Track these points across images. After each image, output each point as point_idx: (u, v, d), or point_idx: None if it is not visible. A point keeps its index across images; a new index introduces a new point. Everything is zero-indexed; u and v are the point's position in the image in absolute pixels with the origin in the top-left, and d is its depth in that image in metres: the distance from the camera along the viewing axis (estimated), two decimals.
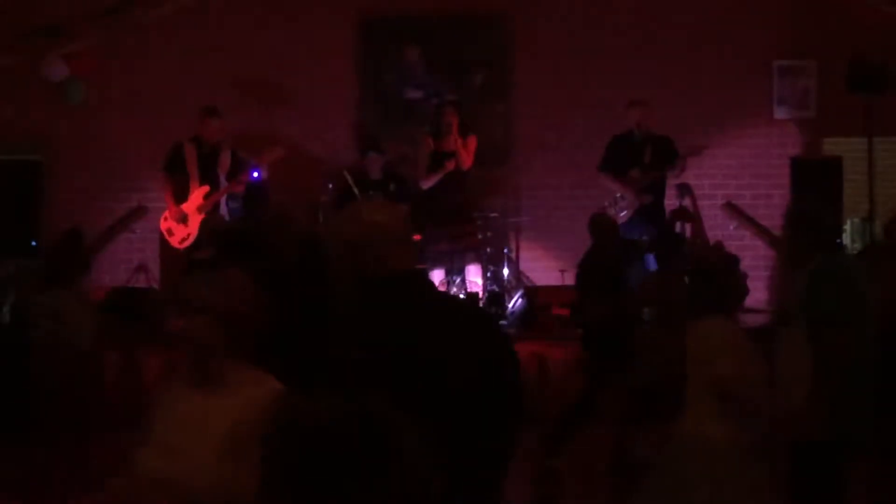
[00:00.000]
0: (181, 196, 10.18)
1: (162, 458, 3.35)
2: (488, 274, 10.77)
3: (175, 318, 3.44)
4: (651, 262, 10.03)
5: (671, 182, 10.39)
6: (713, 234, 10.66)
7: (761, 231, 11.21)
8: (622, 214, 10.11)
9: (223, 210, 10.16)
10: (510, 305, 10.35)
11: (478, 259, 10.57)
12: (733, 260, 5.52)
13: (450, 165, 10.30)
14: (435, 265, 10.49)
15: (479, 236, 10.72)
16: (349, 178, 10.69)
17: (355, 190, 10.64)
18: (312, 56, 11.61)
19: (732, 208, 11.50)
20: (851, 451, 5.22)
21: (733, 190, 11.58)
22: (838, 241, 10.10)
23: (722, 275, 5.32)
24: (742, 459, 4.90)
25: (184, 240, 9.99)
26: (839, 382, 5.01)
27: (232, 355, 3.40)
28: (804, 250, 5.30)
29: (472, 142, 10.49)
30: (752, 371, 4.92)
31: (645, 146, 10.12)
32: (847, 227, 11.02)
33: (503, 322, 9.79)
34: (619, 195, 10.13)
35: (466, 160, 10.39)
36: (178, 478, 3.29)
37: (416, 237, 9.62)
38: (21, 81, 11.19)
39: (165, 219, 10.15)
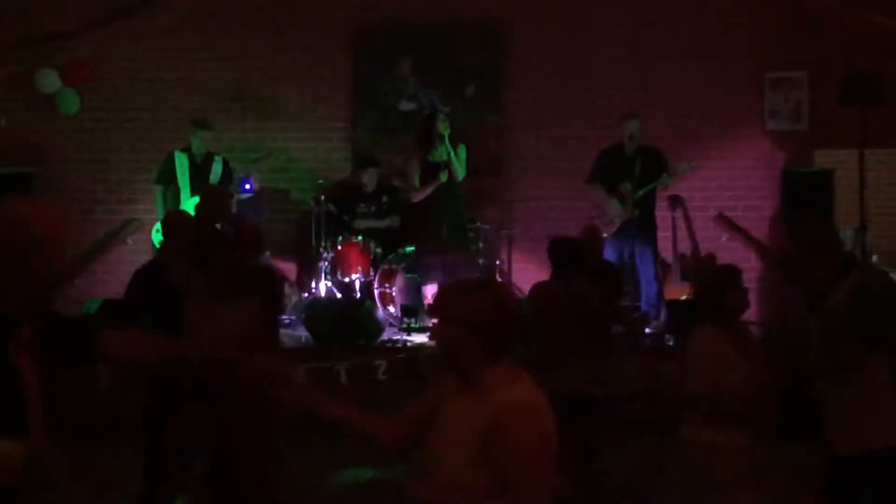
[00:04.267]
0: (173, 207, 10.19)
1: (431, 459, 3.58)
2: None
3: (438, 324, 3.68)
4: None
5: (662, 194, 10.42)
6: (705, 246, 10.69)
7: (753, 242, 11.22)
8: (611, 226, 10.13)
9: None
10: None
11: (472, 270, 10.55)
12: (732, 273, 5.50)
13: (441, 177, 10.31)
14: (427, 277, 10.49)
15: (472, 248, 10.72)
16: (332, 208, 10.75)
17: (342, 217, 10.71)
18: (306, 67, 11.62)
19: (724, 220, 11.51)
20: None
21: (725, 201, 11.58)
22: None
23: (714, 289, 5.34)
24: (746, 464, 4.94)
25: None
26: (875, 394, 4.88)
27: (487, 360, 3.57)
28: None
29: (464, 153, 10.50)
30: (730, 380, 4.96)
31: (636, 159, 10.14)
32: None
33: None
34: (606, 206, 10.16)
35: (458, 172, 10.40)
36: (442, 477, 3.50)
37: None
38: (14, 93, 11.20)
39: (158, 230, 10.16)
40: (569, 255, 7.48)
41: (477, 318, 3.54)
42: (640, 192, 10.11)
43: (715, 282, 5.45)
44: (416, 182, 10.45)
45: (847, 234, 11.11)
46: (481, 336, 3.54)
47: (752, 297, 10.77)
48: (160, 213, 10.16)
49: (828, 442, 4.94)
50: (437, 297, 3.85)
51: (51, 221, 3.40)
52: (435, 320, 3.75)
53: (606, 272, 8.14)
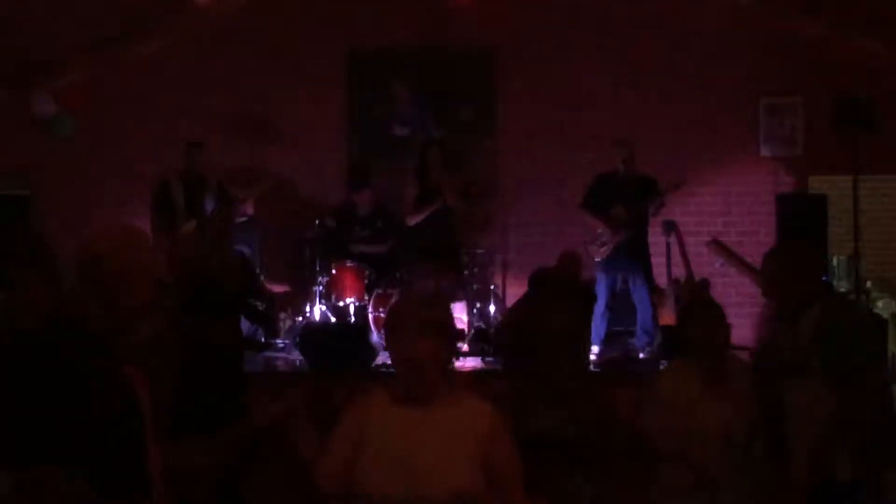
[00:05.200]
0: (168, 232, 10.18)
1: (394, 474, 3.56)
2: (474, 310, 10.77)
3: (407, 338, 3.69)
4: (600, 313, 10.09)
5: (656, 219, 10.42)
6: (699, 271, 10.69)
7: (747, 268, 11.21)
8: (602, 250, 10.13)
9: None
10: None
11: (464, 295, 10.56)
12: (699, 306, 5.48)
13: (435, 203, 10.32)
14: None
15: (466, 272, 10.73)
16: (331, 222, 10.75)
17: (340, 234, 10.71)
18: (300, 91, 11.64)
19: (718, 245, 11.51)
20: (870, 493, 5.09)
21: (719, 227, 11.60)
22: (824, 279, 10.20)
23: (689, 323, 5.30)
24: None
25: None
26: (859, 426, 4.91)
27: (445, 373, 3.72)
28: (801, 301, 5.07)
29: (458, 178, 10.51)
30: (677, 421, 4.97)
31: (629, 185, 10.14)
32: (833, 265, 11.05)
33: (489, 359, 9.78)
34: (599, 231, 10.16)
35: (452, 197, 10.41)
36: (427, 491, 3.52)
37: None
38: (9, 116, 11.19)
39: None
40: (541, 280, 7.54)
41: (447, 328, 3.68)
42: (633, 212, 10.10)
43: (682, 314, 5.44)
44: (412, 206, 10.46)
45: (840, 260, 11.15)
46: (449, 346, 3.68)
47: (748, 323, 10.95)
48: (155, 236, 10.18)
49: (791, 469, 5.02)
50: (402, 311, 3.88)
51: (136, 252, 3.50)
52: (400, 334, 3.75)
53: (583, 296, 8.08)
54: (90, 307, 3.43)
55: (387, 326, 3.90)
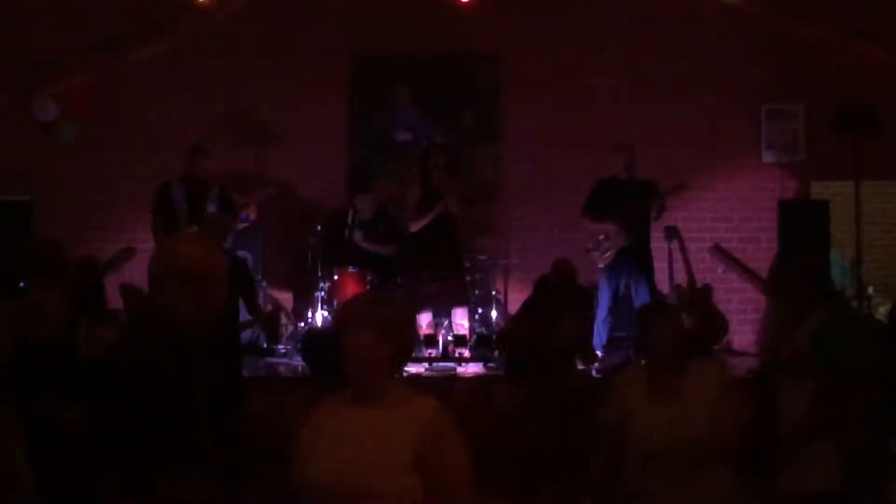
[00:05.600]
0: (170, 235, 10.18)
1: (334, 472, 3.61)
2: (476, 316, 10.78)
3: (350, 332, 3.74)
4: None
5: (658, 225, 10.41)
6: (701, 277, 10.68)
7: (749, 274, 11.21)
8: (605, 256, 10.12)
9: None
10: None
11: (466, 301, 10.55)
12: (655, 309, 5.47)
13: (438, 208, 10.31)
14: (423, 307, 10.49)
15: (468, 278, 10.73)
16: (350, 215, 10.74)
17: (347, 230, 10.69)
18: (302, 95, 11.64)
19: (720, 251, 11.52)
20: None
21: (721, 233, 11.60)
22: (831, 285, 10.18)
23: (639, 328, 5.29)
24: None
25: None
26: (846, 436, 4.87)
27: (393, 370, 3.77)
28: (803, 306, 5.03)
29: (461, 184, 10.50)
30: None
31: (630, 190, 10.13)
32: (834, 270, 11.04)
33: (491, 364, 9.78)
34: (601, 237, 10.14)
35: (454, 202, 10.39)
36: (363, 488, 3.54)
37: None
38: (12, 121, 11.20)
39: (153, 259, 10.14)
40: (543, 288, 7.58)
41: (395, 328, 3.70)
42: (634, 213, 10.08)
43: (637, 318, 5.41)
44: (414, 211, 10.45)
45: (843, 265, 11.15)
46: (394, 346, 3.69)
47: (750, 329, 10.96)
48: (156, 240, 10.19)
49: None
50: (351, 306, 3.96)
51: (215, 259, 3.72)
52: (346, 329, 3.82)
53: (579, 300, 8.07)
54: (193, 314, 3.59)
55: (337, 321, 3.97)
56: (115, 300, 8.83)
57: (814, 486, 4.87)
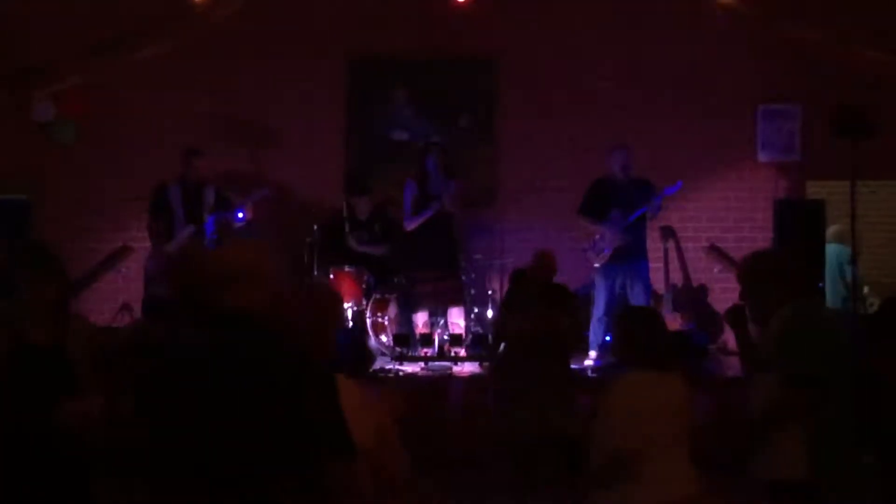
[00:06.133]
0: (165, 237, 10.22)
1: None
2: (472, 316, 10.80)
3: None
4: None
5: (654, 224, 10.43)
6: (697, 277, 10.72)
7: None
8: (600, 257, 10.13)
9: None
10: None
11: (462, 301, 10.59)
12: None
13: (434, 208, 10.33)
14: (419, 307, 10.52)
15: (464, 278, 10.76)
16: (345, 210, 10.76)
17: (347, 225, 10.72)
18: (299, 96, 11.67)
19: (716, 251, 11.54)
20: (828, 492, 5.20)
21: (717, 233, 11.63)
22: (819, 284, 10.19)
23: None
24: None
25: None
26: (813, 427, 5.02)
27: None
28: (770, 305, 5.20)
29: (458, 184, 10.53)
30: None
31: (626, 190, 10.14)
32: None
33: (486, 363, 9.80)
34: (597, 237, 10.16)
35: (451, 203, 10.41)
36: None
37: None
38: (8, 121, 11.22)
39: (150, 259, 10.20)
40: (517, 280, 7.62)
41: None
42: (630, 219, 10.09)
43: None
44: (411, 211, 10.47)
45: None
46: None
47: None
48: (152, 242, 10.22)
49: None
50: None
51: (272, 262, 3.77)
52: None
53: (558, 295, 8.02)
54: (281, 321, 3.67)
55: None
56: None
57: (780, 473, 5.04)
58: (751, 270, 5.35)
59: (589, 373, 9.69)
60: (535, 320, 7.29)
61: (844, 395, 5.13)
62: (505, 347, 7.66)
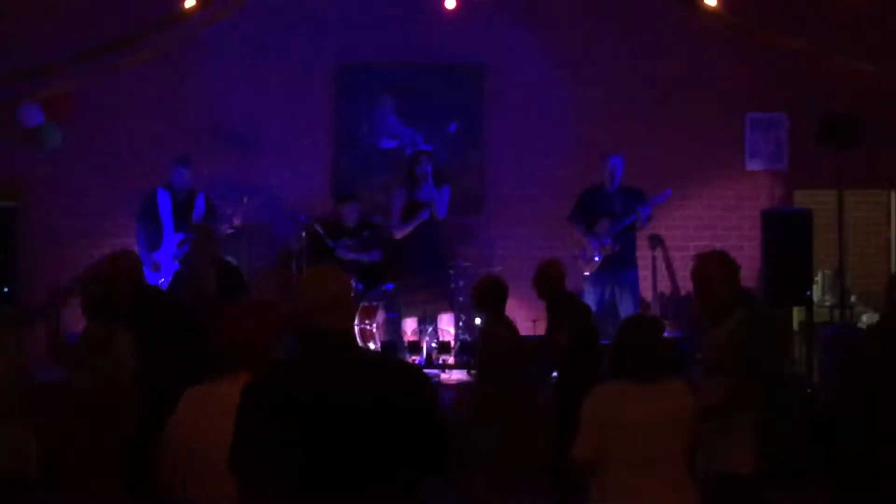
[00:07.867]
0: (154, 244, 10.22)
1: None
2: (460, 323, 10.80)
3: None
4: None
5: (643, 233, 10.45)
6: (684, 286, 10.74)
7: None
8: (591, 264, 10.15)
9: None
10: None
11: (450, 308, 10.59)
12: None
13: (424, 215, 10.35)
14: (407, 314, 10.52)
15: (452, 285, 10.76)
16: (319, 229, 10.74)
17: (327, 241, 10.69)
18: (287, 104, 11.65)
19: None
20: (775, 485, 5.45)
21: (705, 241, 11.59)
22: (807, 293, 10.22)
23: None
24: None
25: None
26: (761, 424, 5.28)
27: None
28: (721, 306, 5.44)
29: (446, 191, 10.55)
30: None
31: (616, 198, 10.17)
32: (818, 279, 11.09)
33: (474, 371, 9.80)
34: (587, 245, 10.18)
35: (440, 210, 10.44)
36: None
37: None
38: None
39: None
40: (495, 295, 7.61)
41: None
42: (619, 228, 10.10)
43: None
44: (399, 218, 10.48)
45: (826, 274, 11.20)
46: None
47: None
48: (142, 249, 10.19)
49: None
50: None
51: None
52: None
53: (565, 305, 8.02)
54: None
55: None
56: None
57: (728, 467, 5.27)
58: (702, 271, 5.55)
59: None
60: (505, 330, 7.36)
61: (790, 393, 5.34)
62: (479, 358, 7.70)
